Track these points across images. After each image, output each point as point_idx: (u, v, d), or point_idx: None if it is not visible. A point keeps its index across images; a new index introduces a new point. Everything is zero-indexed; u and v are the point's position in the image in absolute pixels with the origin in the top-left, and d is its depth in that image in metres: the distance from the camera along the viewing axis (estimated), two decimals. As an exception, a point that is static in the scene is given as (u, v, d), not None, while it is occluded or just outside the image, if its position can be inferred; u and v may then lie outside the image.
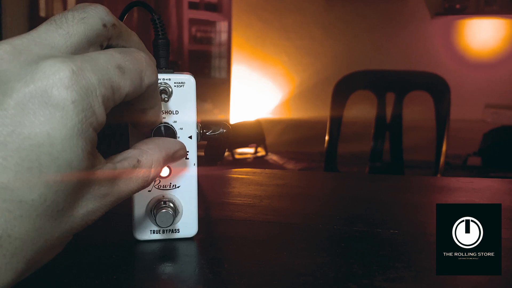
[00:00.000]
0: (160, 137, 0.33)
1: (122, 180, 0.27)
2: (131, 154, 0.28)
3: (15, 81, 0.21)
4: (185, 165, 0.37)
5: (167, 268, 0.34)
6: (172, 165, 0.37)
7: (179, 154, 0.32)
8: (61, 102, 0.22)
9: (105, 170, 0.25)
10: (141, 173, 0.28)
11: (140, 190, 0.28)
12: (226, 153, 3.12)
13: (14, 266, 0.21)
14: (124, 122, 0.35)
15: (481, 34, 3.93)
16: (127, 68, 0.25)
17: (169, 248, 0.37)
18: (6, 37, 0.25)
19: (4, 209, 0.21)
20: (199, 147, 0.39)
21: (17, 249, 0.21)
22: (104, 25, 0.26)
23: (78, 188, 0.23)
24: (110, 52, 0.25)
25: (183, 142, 0.34)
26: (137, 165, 0.28)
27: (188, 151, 0.37)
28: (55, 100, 0.22)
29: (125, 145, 0.35)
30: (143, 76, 0.26)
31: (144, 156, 0.28)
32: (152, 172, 0.29)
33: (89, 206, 0.25)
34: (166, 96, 0.35)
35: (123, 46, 0.27)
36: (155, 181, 0.37)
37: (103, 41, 0.26)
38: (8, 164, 0.21)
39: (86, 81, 0.23)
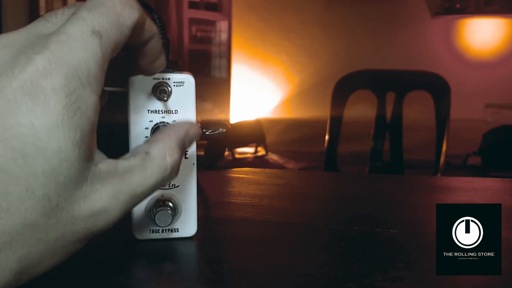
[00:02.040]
0: (168, 125, 0.31)
1: (135, 175, 0.25)
2: (138, 149, 0.26)
3: None
4: (184, 165, 0.37)
5: (167, 268, 0.34)
6: None
7: (192, 133, 0.30)
8: (41, 91, 0.21)
9: (104, 165, 0.24)
10: (155, 164, 0.26)
11: (162, 182, 0.26)
12: (226, 153, 3.13)
13: (3, 263, 0.21)
14: (125, 117, 0.35)
15: (481, 33, 3.93)
16: (103, 28, 0.23)
17: (169, 247, 0.37)
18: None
19: None
20: (199, 147, 0.39)
21: (5, 243, 0.21)
22: None
23: (73, 183, 0.22)
24: (80, 15, 0.23)
25: (195, 123, 0.32)
26: (146, 157, 0.26)
27: (187, 151, 0.37)
28: (34, 90, 0.21)
29: (125, 145, 0.35)
30: (122, 21, 0.24)
31: (153, 147, 0.27)
32: (169, 159, 0.26)
33: (95, 206, 0.23)
34: (165, 95, 0.35)
35: None
36: None
37: None
38: None
39: (65, 66, 0.22)
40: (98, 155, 0.24)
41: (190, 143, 0.30)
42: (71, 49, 0.22)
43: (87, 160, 0.23)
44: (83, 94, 0.22)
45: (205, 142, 0.39)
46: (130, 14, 0.25)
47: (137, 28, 0.25)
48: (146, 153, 0.26)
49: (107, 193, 0.23)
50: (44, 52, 0.22)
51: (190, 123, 0.30)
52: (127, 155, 0.26)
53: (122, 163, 0.25)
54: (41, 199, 0.21)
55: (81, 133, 0.22)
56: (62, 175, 0.22)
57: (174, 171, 0.27)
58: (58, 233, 0.22)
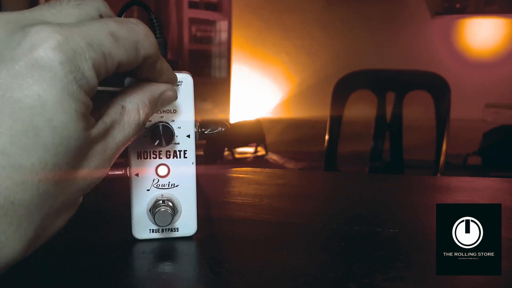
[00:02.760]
0: (147, 81, 0.31)
1: (116, 130, 0.26)
2: (114, 103, 0.27)
3: (2, 47, 0.21)
4: (183, 164, 0.37)
5: (167, 268, 0.34)
6: (170, 164, 0.37)
7: (168, 95, 0.31)
8: (49, 64, 0.21)
9: (99, 128, 0.25)
10: (131, 118, 0.27)
11: (137, 135, 0.28)
12: (226, 152, 3.12)
13: (22, 234, 0.21)
14: None
15: (481, 33, 3.93)
16: (121, 37, 0.24)
17: (169, 247, 0.37)
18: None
19: (4, 176, 0.20)
20: (198, 146, 0.39)
21: (22, 216, 0.21)
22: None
23: (79, 150, 0.23)
24: (105, 20, 0.24)
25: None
26: (123, 111, 0.27)
27: (186, 150, 0.37)
28: (42, 61, 0.21)
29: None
30: (139, 46, 0.25)
31: (127, 100, 0.28)
32: (141, 114, 0.28)
33: (91, 165, 0.24)
34: None
35: None
36: (153, 180, 0.37)
37: None
38: (2, 129, 0.20)
39: (74, 43, 0.22)
40: (92, 120, 0.25)
41: (163, 105, 0.31)
42: (84, 33, 0.23)
43: (89, 128, 0.24)
44: (87, 74, 0.23)
45: (204, 141, 0.39)
46: (149, 46, 0.26)
47: (149, 62, 0.27)
48: (122, 107, 0.27)
49: (99, 151, 0.25)
50: (54, 28, 0.22)
51: (169, 86, 0.31)
52: (104, 108, 0.27)
53: (106, 119, 0.26)
54: (52, 169, 0.22)
55: (84, 107, 0.23)
56: (70, 145, 0.22)
57: (143, 126, 0.28)
58: (64, 197, 0.23)
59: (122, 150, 0.27)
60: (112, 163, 0.26)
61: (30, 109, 0.21)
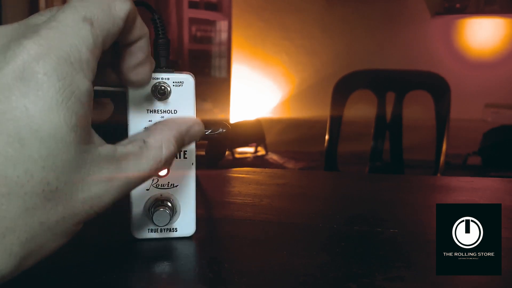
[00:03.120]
0: (172, 118, 0.30)
1: (130, 163, 0.25)
2: (136, 136, 0.27)
3: None
4: (183, 165, 0.37)
5: (168, 267, 0.34)
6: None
7: (195, 131, 0.30)
8: (33, 75, 0.21)
9: (103, 150, 0.24)
10: (151, 154, 0.26)
11: (155, 173, 0.27)
12: (226, 152, 3.12)
13: (8, 248, 0.21)
14: (125, 119, 0.35)
15: (481, 33, 3.93)
16: (94, 15, 0.23)
17: (169, 247, 0.37)
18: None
19: None
20: (199, 147, 0.39)
21: (7, 229, 0.21)
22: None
23: (72, 166, 0.22)
24: (71, 4, 0.23)
25: (201, 122, 0.31)
26: (144, 146, 0.26)
27: (186, 150, 0.37)
28: (27, 74, 0.21)
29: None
30: (114, 11, 0.24)
31: (152, 136, 0.27)
32: (164, 151, 0.27)
33: (92, 190, 0.23)
34: (164, 95, 0.35)
35: None
36: (153, 180, 0.37)
37: None
38: None
39: (57, 50, 0.22)
40: (98, 139, 0.24)
41: (190, 141, 0.30)
42: (62, 34, 0.22)
43: (85, 143, 0.23)
44: (76, 79, 0.22)
45: (206, 142, 0.39)
46: (122, 5, 0.25)
47: (129, 21, 0.25)
48: (144, 141, 0.26)
49: (103, 178, 0.24)
50: (35, 37, 0.22)
51: (195, 120, 0.30)
52: (125, 141, 0.26)
53: (120, 148, 0.25)
54: (40, 182, 0.21)
55: (76, 117, 0.22)
56: (59, 158, 0.22)
57: (168, 164, 0.27)
58: (58, 216, 0.22)
59: (134, 187, 0.26)
60: (118, 197, 0.25)
61: (17, 120, 0.21)
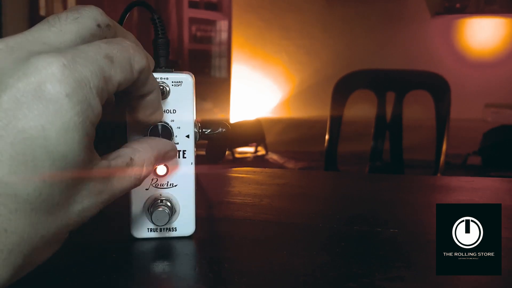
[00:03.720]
0: (153, 137, 0.34)
1: (116, 178, 0.27)
2: (124, 152, 0.28)
3: (8, 77, 0.22)
4: (182, 164, 0.37)
5: (168, 267, 0.34)
6: (169, 164, 0.37)
7: (170, 155, 0.33)
8: (55, 96, 0.22)
9: (101, 167, 0.25)
10: (134, 172, 0.28)
11: (133, 188, 0.29)
12: (227, 152, 3.12)
13: (12, 262, 0.21)
14: (124, 119, 0.35)
15: (481, 33, 3.93)
16: (116, 57, 0.25)
17: (169, 247, 0.37)
18: (6, 36, 0.25)
19: None
20: (199, 147, 0.39)
21: (14, 244, 0.21)
22: (98, 25, 0.26)
23: (74, 184, 0.23)
24: (97, 43, 0.25)
25: (176, 143, 0.35)
26: (130, 163, 0.28)
27: (185, 150, 0.37)
28: (48, 94, 0.21)
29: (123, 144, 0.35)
30: (132, 62, 0.26)
31: (137, 155, 0.29)
32: (144, 170, 0.29)
33: (84, 203, 0.24)
34: (163, 95, 0.35)
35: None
36: (152, 180, 0.37)
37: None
38: (2, 157, 0.21)
39: (78, 74, 0.22)
40: (95, 154, 0.25)
41: (163, 163, 0.35)
42: (85, 61, 0.23)
43: (89, 162, 0.24)
44: (93, 103, 0.23)
45: (206, 142, 0.39)
46: (140, 59, 0.26)
47: (143, 75, 0.27)
48: (131, 159, 0.28)
49: (95, 191, 0.25)
50: (59, 58, 0.22)
51: (172, 147, 0.33)
52: (114, 154, 0.28)
53: (111, 163, 0.27)
54: (45, 200, 0.22)
55: (87, 138, 0.23)
56: (68, 178, 0.23)
57: (142, 181, 0.30)
58: (56, 228, 0.23)
59: (115, 199, 0.27)
60: (101, 208, 0.26)
61: (33, 140, 0.21)
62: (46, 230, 0.23)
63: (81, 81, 0.22)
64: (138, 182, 0.29)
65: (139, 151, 0.29)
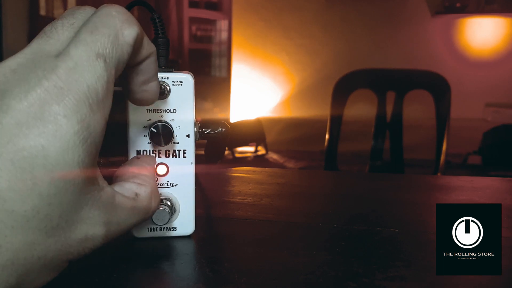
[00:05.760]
0: (142, 156, 0.34)
1: (124, 212, 0.27)
2: (130, 188, 0.29)
3: (11, 98, 0.22)
4: (182, 164, 0.37)
5: (168, 267, 0.34)
6: (169, 164, 0.37)
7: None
8: (53, 117, 0.22)
9: (104, 194, 0.25)
10: (142, 206, 0.29)
11: (142, 221, 0.29)
12: (226, 152, 3.13)
13: (4, 280, 0.21)
14: (124, 118, 0.35)
15: (481, 32, 3.93)
16: (107, 51, 0.24)
17: (169, 246, 0.37)
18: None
19: None
20: (199, 146, 0.39)
21: (8, 261, 0.21)
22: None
23: (75, 206, 0.23)
24: (83, 39, 0.24)
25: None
26: (136, 198, 0.29)
27: (185, 150, 0.37)
28: (47, 115, 0.22)
29: (124, 146, 0.35)
30: (122, 40, 0.25)
31: (143, 189, 0.29)
32: (153, 204, 0.30)
33: (88, 232, 0.24)
34: (163, 94, 0.35)
35: None
36: None
37: None
38: (2, 173, 0.21)
39: (75, 93, 0.22)
40: (101, 180, 0.25)
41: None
42: (80, 75, 0.23)
43: (91, 184, 0.24)
44: (94, 120, 0.23)
45: (205, 141, 0.39)
46: (130, 31, 0.25)
47: (137, 44, 0.26)
48: (137, 194, 0.29)
49: (100, 221, 0.25)
50: (54, 78, 0.22)
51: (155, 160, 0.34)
52: (119, 188, 0.28)
53: (119, 197, 0.27)
54: (44, 219, 0.22)
55: (89, 158, 0.23)
56: (65, 197, 0.22)
57: (151, 215, 0.31)
58: (55, 252, 0.23)
59: (123, 232, 0.28)
60: (107, 241, 0.26)
61: (33, 158, 0.21)
62: (43, 252, 0.22)
63: (79, 100, 0.22)
64: (147, 216, 0.30)
65: (143, 184, 0.30)
